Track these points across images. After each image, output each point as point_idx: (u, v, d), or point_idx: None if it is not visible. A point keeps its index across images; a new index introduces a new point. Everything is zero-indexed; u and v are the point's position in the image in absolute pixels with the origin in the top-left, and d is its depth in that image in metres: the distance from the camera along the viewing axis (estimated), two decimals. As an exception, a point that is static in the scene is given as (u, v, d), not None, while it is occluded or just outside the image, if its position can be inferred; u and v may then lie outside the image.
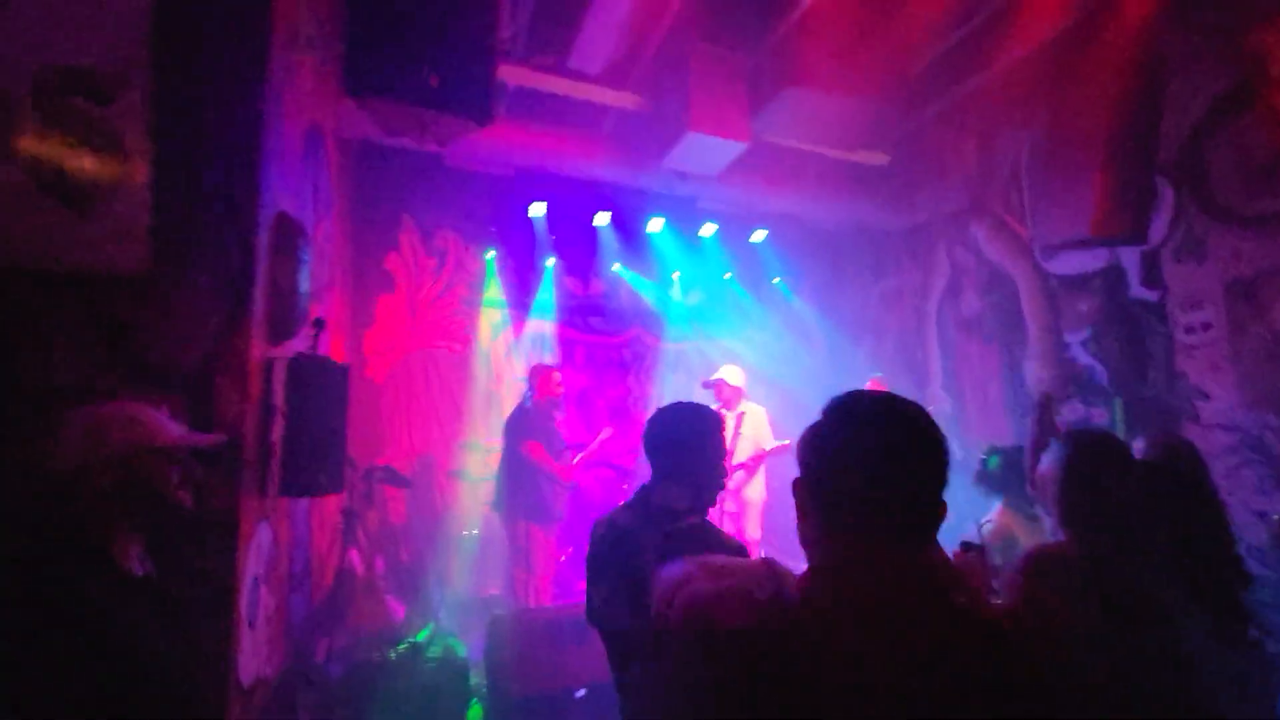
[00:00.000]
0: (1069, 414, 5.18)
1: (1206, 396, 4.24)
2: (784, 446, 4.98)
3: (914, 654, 0.80)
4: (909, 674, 0.79)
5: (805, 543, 0.96)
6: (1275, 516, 2.57)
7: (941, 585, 0.87)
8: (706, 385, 4.97)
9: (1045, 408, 2.51)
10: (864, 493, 0.89)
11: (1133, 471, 1.65)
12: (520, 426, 4.56)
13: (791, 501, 0.98)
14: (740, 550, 1.71)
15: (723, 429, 1.90)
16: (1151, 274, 4.58)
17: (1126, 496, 1.58)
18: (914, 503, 0.90)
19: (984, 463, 3.21)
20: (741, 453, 4.97)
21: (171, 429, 1.42)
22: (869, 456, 0.90)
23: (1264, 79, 3.92)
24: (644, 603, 1.65)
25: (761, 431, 5.08)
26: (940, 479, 0.91)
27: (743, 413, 5.08)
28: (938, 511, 0.91)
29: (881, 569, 0.86)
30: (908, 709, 0.77)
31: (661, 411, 1.91)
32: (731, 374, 5.15)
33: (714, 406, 4.88)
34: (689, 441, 1.83)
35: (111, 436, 1.32)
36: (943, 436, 0.93)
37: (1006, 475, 3.01)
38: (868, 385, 5.68)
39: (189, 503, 1.42)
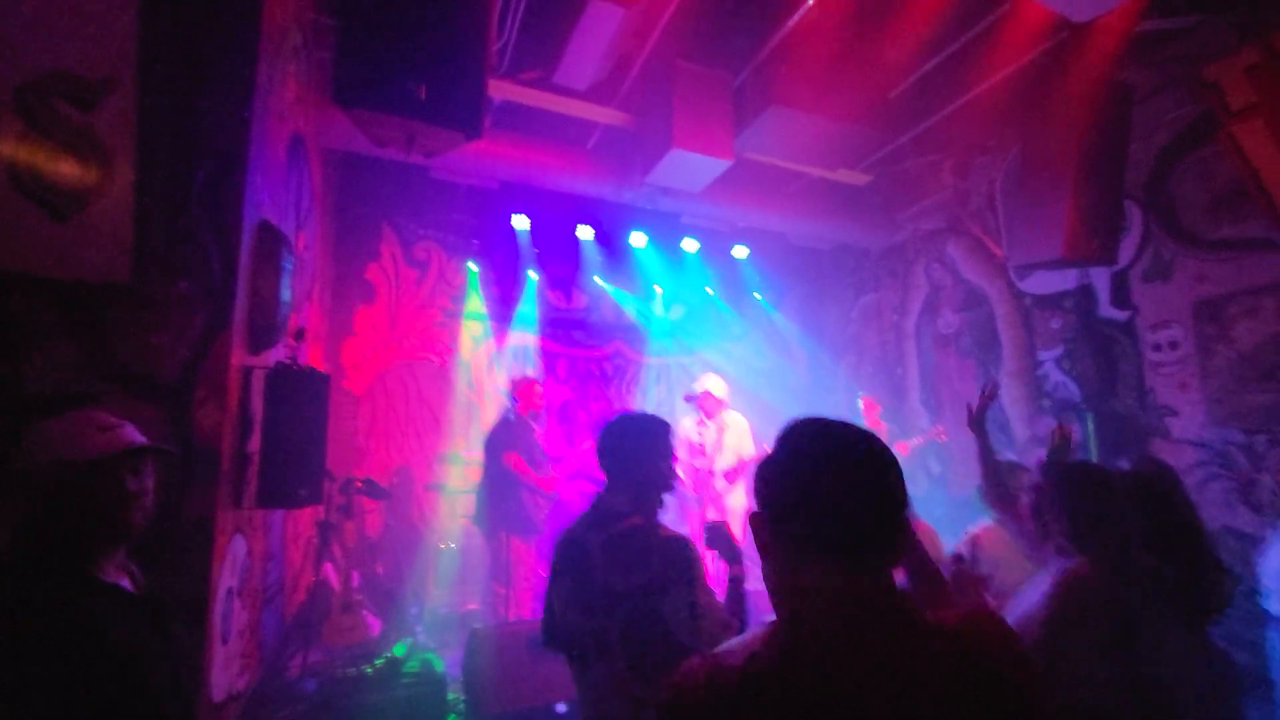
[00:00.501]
0: (1041, 429, 5.29)
1: (1175, 413, 4.36)
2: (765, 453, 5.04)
3: (893, 686, 0.80)
4: (891, 707, 0.79)
5: (769, 584, 0.92)
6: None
7: (909, 610, 0.87)
8: (689, 399, 4.99)
9: (1063, 448, 2.58)
10: (828, 526, 0.87)
11: (1121, 495, 1.71)
12: (501, 439, 4.55)
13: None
14: (681, 544, 1.77)
15: (669, 435, 1.97)
16: (1121, 294, 4.72)
17: (1123, 520, 1.64)
18: (878, 531, 0.88)
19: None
20: (723, 461, 5.02)
21: (135, 435, 1.40)
22: (831, 491, 0.88)
23: (1224, 111, 4.08)
24: (592, 602, 1.76)
25: (744, 441, 5.12)
26: (900, 505, 0.90)
27: (725, 424, 5.13)
28: (901, 537, 0.90)
29: (851, 606, 0.85)
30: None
31: (609, 423, 2.00)
32: (715, 384, 5.18)
33: (696, 417, 4.95)
34: (630, 449, 1.92)
35: (81, 442, 1.30)
36: (896, 463, 0.92)
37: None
38: (860, 404, 5.79)
39: (145, 513, 1.40)
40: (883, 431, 5.81)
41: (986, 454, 2.46)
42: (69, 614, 1.19)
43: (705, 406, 5.08)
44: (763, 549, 0.93)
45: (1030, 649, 0.98)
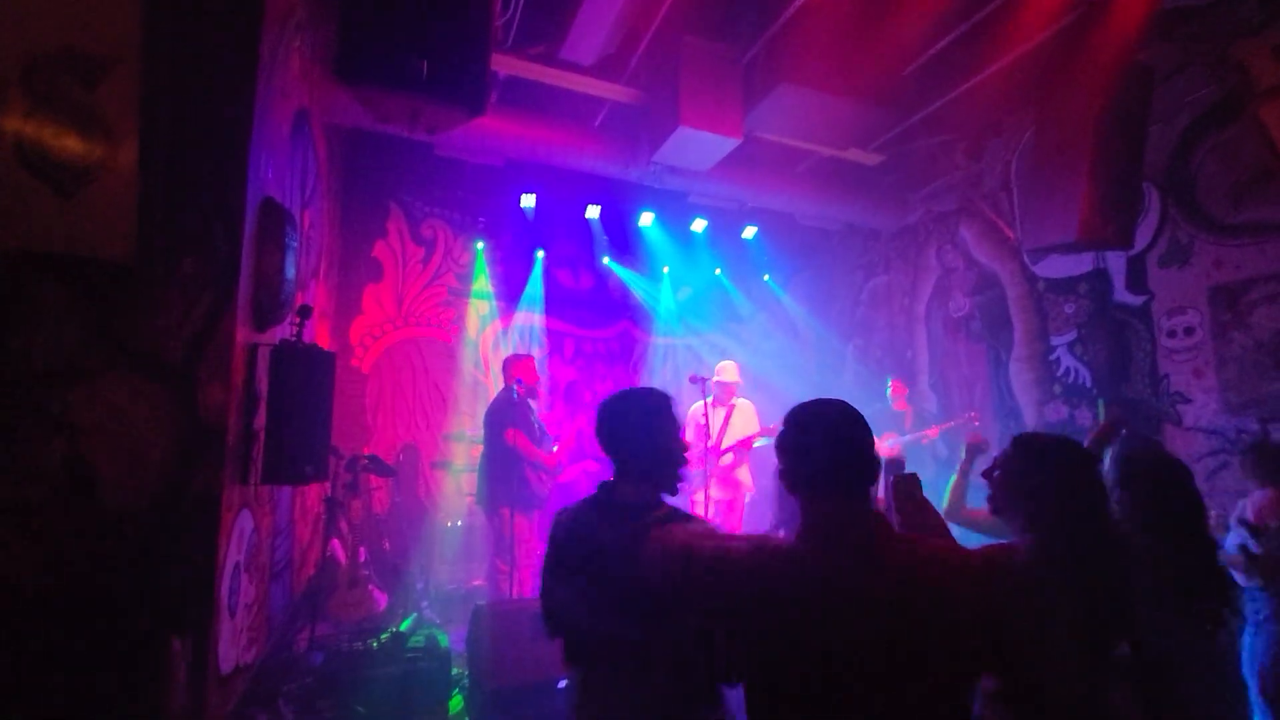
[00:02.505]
0: (1052, 416, 5.24)
1: (1189, 400, 4.30)
2: (770, 429, 5.04)
3: (860, 570, 1.25)
4: (859, 585, 1.24)
5: (790, 497, 1.41)
6: None
7: (879, 525, 1.32)
8: (695, 380, 4.96)
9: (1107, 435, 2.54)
10: (819, 470, 1.33)
11: (1091, 472, 1.65)
12: (502, 415, 4.55)
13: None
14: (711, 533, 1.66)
15: (674, 409, 1.80)
16: (1137, 279, 4.64)
17: (1088, 498, 1.59)
18: (851, 470, 1.32)
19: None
20: (729, 443, 5.11)
21: None
22: (819, 447, 1.34)
23: (1250, 92, 3.97)
24: (618, 607, 1.61)
25: (751, 425, 5.19)
26: (867, 447, 1.34)
27: (733, 406, 5.19)
28: (869, 473, 1.33)
29: (840, 518, 1.31)
30: (856, 604, 1.23)
31: (609, 401, 1.82)
32: (729, 370, 5.25)
33: (706, 400, 4.94)
34: (635, 434, 1.75)
35: None
36: (862, 419, 1.36)
37: None
38: (890, 388, 5.83)
39: None
40: (909, 415, 5.79)
41: (960, 486, 2.47)
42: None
43: (720, 393, 5.18)
44: (789, 490, 1.39)
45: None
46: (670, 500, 1.78)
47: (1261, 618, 2.66)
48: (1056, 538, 1.52)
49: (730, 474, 5.10)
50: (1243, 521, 2.80)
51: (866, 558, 1.26)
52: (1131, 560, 1.61)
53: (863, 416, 1.38)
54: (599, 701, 1.68)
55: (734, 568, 1.33)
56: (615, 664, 1.66)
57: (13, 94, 2.12)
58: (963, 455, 2.59)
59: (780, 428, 1.43)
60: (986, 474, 1.72)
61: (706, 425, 4.86)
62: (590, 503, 1.79)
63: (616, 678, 1.65)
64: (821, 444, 1.34)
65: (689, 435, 4.93)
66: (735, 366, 5.32)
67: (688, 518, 1.71)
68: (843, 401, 1.39)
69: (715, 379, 5.21)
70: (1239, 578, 2.72)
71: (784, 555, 1.32)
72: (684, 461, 1.78)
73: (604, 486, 1.80)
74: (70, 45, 2.21)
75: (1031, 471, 1.62)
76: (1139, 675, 1.51)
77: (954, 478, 2.53)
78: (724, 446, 5.07)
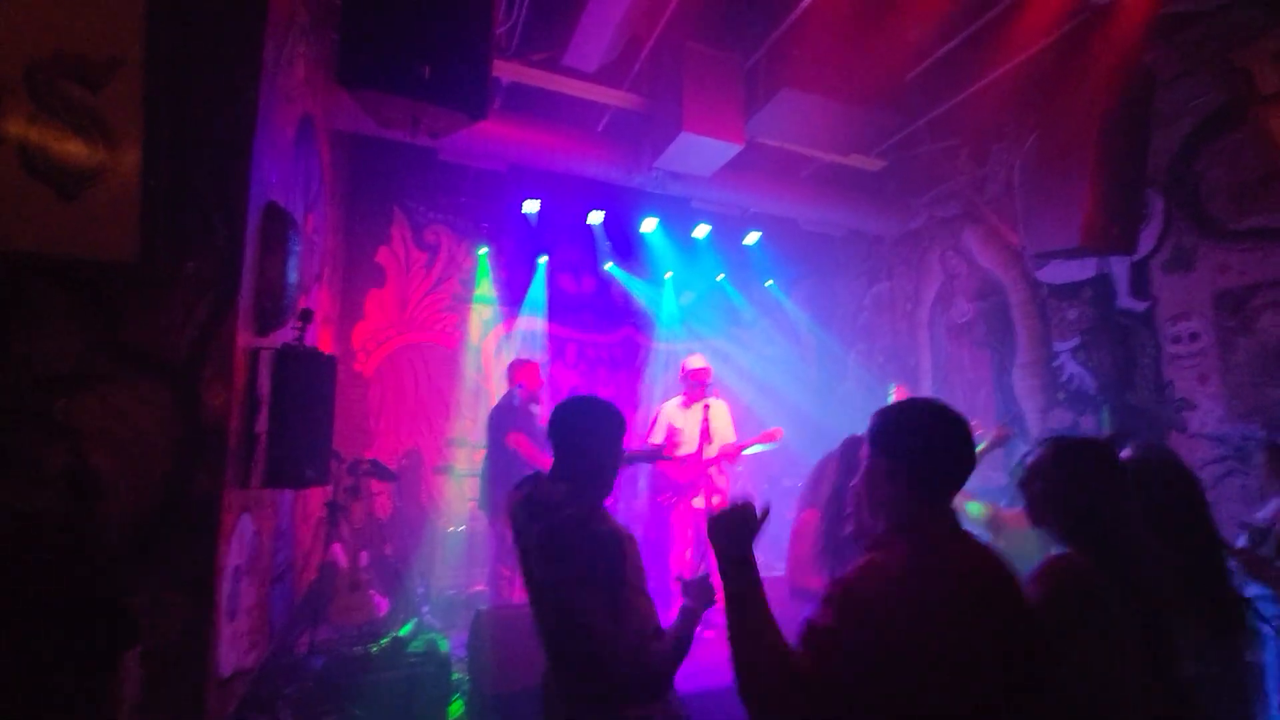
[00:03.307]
0: (1056, 422, 5.22)
1: (1193, 406, 4.28)
2: (771, 434, 4.86)
3: (985, 576, 1.27)
4: (976, 591, 1.24)
5: (871, 492, 1.37)
6: (1250, 525, 2.61)
7: (963, 533, 1.33)
8: (692, 378, 4.83)
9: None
10: (947, 471, 1.33)
11: (1126, 480, 1.61)
12: (504, 420, 4.55)
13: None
14: (613, 539, 1.64)
15: (621, 428, 1.85)
16: (1140, 284, 4.63)
17: (1126, 506, 1.55)
18: (957, 480, 1.33)
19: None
20: (715, 449, 4.79)
21: None
22: (955, 448, 1.34)
23: (1253, 96, 3.97)
24: (532, 595, 1.74)
25: (728, 427, 4.92)
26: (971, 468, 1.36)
27: (708, 405, 4.85)
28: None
29: (952, 528, 1.32)
30: (978, 602, 1.22)
31: (562, 404, 1.88)
32: (699, 359, 4.97)
33: (679, 401, 4.84)
34: (578, 437, 1.82)
35: None
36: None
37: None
38: (892, 393, 5.72)
39: None
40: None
41: None
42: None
43: (692, 389, 4.85)
44: (882, 489, 1.35)
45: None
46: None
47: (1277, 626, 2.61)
48: (1104, 551, 1.48)
49: (713, 482, 4.78)
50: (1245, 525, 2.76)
51: (983, 567, 1.27)
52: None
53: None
54: (552, 695, 1.77)
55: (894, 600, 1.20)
56: (553, 661, 1.76)
57: (16, 97, 2.13)
58: (982, 445, 2.58)
59: (897, 423, 1.38)
60: (1023, 484, 1.66)
61: (682, 428, 4.74)
62: (522, 498, 1.86)
63: (556, 673, 1.74)
64: (960, 451, 1.33)
65: (658, 436, 4.78)
66: (703, 357, 5.03)
67: (606, 517, 1.76)
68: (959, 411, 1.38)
69: (688, 368, 4.87)
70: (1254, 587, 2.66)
71: (915, 571, 1.24)
72: (610, 487, 1.85)
73: (534, 481, 1.88)
74: (73, 49, 2.23)
75: (1070, 480, 1.57)
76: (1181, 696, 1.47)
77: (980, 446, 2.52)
78: (718, 452, 4.79)
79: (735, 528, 1.34)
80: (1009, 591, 1.28)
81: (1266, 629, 2.61)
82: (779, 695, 1.17)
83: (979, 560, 1.28)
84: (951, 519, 1.31)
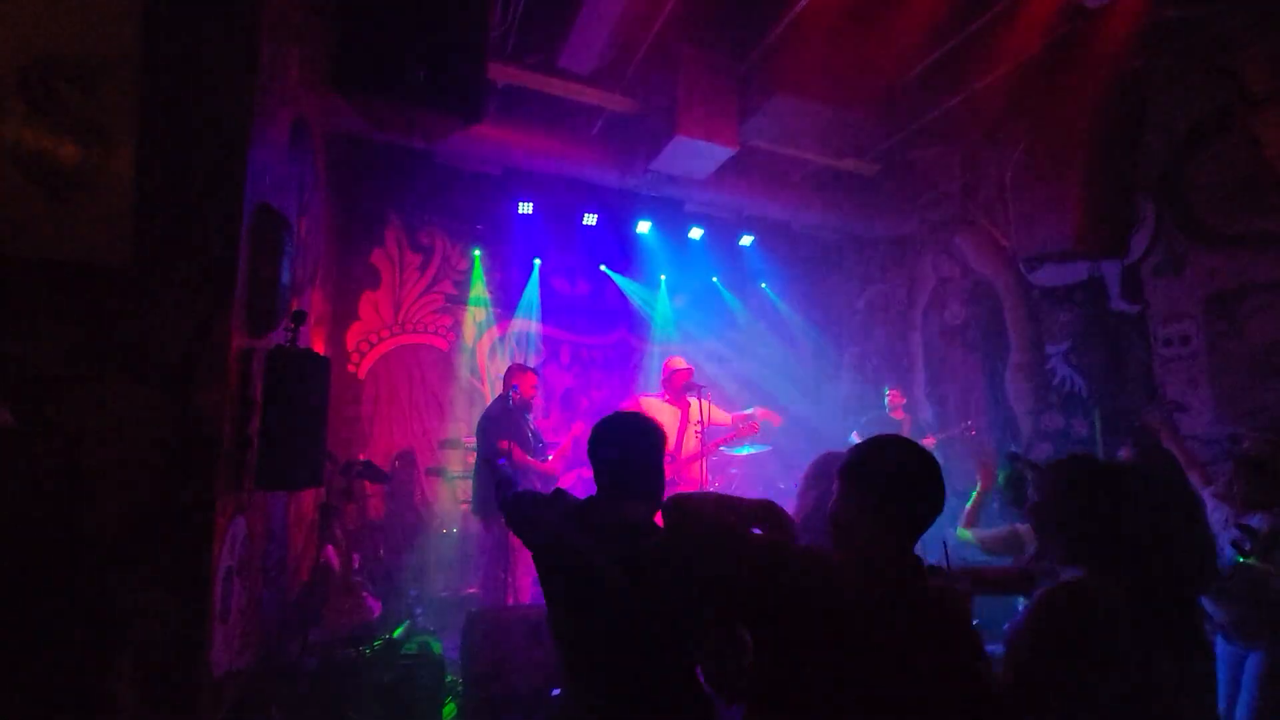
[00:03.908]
0: (1048, 424, 5.25)
1: (1185, 409, 4.31)
2: (745, 423, 4.78)
3: (900, 613, 1.27)
4: (894, 625, 1.26)
5: (839, 521, 1.40)
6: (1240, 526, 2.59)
7: (922, 572, 1.36)
8: (690, 388, 4.84)
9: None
10: (917, 513, 1.35)
11: (1136, 499, 1.64)
12: (496, 424, 4.57)
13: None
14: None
15: (661, 434, 1.84)
16: (1132, 288, 4.66)
17: (1135, 527, 1.58)
18: (925, 521, 1.35)
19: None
20: (690, 443, 4.77)
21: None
22: (927, 490, 1.35)
23: (1242, 103, 4.00)
24: (609, 624, 1.60)
25: (711, 413, 4.84)
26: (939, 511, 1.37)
27: (689, 404, 4.82)
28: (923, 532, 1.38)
29: (894, 556, 1.33)
30: (885, 639, 1.24)
31: (608, 424, 1.83)
32: (681, 361, 4.93)
33: (664, 401, 4.82)
34: (643, 459, 1.77)
35: None
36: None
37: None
38: (887, 397, 5.73)
39: None
40: (907, 424, 5.78)
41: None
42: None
43: (674, 389, 4.80)
44: (850, 521, 1.38)
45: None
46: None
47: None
48: (1109, 572, 1.51)
49: (693, 479, 4.70)
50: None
51: (917, 594, 1.30)
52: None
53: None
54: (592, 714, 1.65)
55: (792, 566, 1.33)
56: (613, 681, 1.64)
57: (9, 99, 2.13)
58: (973, 496, 2.65)
59: (866, 452, 1.41)
60: (1032, 509, 1.74)
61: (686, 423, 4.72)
62: (579, 523, 1.75)
63: (613, 694, 1.63)
64: (925, 492, 1.35)
65: None
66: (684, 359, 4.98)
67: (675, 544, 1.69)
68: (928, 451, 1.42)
69: (671, 370, 4.80)
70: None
71: (835, 568, 1.34)
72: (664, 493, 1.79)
73: (590, 504, 1.79)
74: (68, 51, 2.22)
75: (1072, 502, 1.62)
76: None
77: (974, 496, 2.62)
78: (695, 448, 4.72)
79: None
80: (949, 636, 1.29)
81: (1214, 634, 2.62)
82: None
83: (925, 599, 1.31)
84: (912, 558, 1.35)
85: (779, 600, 1.31)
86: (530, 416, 4.76)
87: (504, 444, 4.38)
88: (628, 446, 1.79)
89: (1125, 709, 1.43)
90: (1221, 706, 2.57)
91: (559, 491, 1.92)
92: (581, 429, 5.14)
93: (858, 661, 1.24)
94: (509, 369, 4.83)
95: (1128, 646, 1.43)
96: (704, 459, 4.70)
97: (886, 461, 1.38)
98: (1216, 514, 2.70)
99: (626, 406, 4.85)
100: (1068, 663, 1.39)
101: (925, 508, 1.35)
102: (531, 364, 6.55)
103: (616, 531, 1.66)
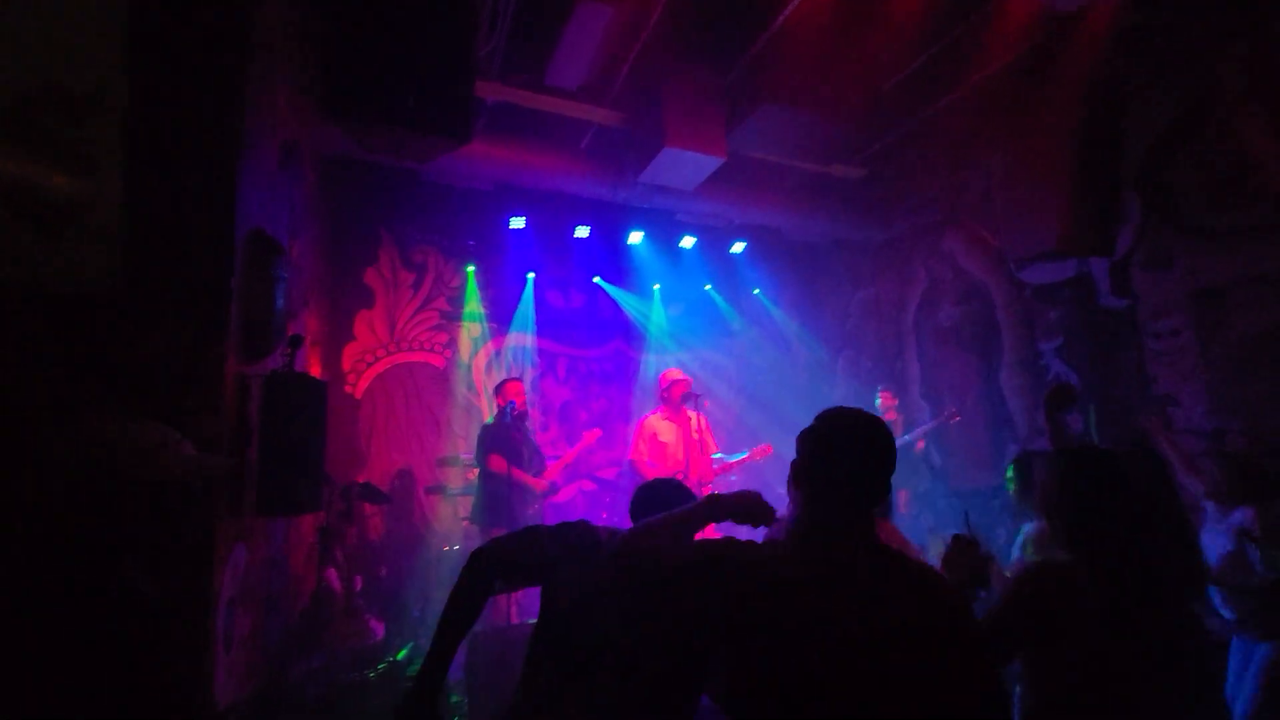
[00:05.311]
0: (1043, 420, 5.26)
1: (1177, 402, 4.34)
2: (764, 449, 4.89)
3: (862, 586, 1.22)
4: (859, 600, 1.20)
5: (794, 510, 1.37)
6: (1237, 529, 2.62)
7: (880, 542, 1.30)
8: (688, 398, 4.84)
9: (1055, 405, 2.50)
10: (840, 480, 1.30)
11: (1131, 489, 1.67)
12: (488, 439, 4.62)
13: None
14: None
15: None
16: (1121, 283, 4.70)
17: (1128, 517, 1.61)
18: (870, 488, 1.32)
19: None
20: (697, 456, 4.72)
21: (193, 450, 1.41)
22: (847, 457, 1.31)
23: (1220, 101, 4.06)
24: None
25: (709, 440, 4.85)
26: (889, 472, 1.33)
27: (688, 418, 4.77)
28: (882, 494, 1.34)
29: (845, 531, 1.29)
30: (854, 618, 1.17)
31: (652, 487, 1.94)
32: (679, 372, 4.92)
33: (661, 414, 4.81)
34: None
35: (165, 453, 1.31)
36: (893, 442, 1.34)
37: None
38: (879, 399, 5.75)
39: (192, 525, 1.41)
40: (899, 425, 5.80)
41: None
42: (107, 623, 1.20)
43: (672, 402, 4.78)
44: (795, 486, 1.37)
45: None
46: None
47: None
48: (1097, 559, 1.55)
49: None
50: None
51: (873, 574, 1.24)
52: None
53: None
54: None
55: (758, 571, 1.26)
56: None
57: (-1, 132, 2.13)
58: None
59: (809, 431, 1.38)
60: (1039, 497, 1.79)
61: (666, 443, 4.71)
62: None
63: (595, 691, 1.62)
64: (855, 456, 1.31)
65: (644, 452, 4.66)
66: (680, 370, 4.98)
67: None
68: (871, 414, 1.37)
69: (669, 381, 4.78)
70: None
71: (777, 550, 1.30)
72: None
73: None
74: (55, 82, 2.23)
75: (1068, 489, 1.66)
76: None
77: None
78: (716, 466, 4.81)
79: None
80: (917, 604, 1.22)
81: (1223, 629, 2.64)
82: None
83: (885, 564, 1.26)
84: (864, 525, 1.30)
85: (724, 596, 1.23)
86: (530, 427, 4.77)
87: (492, 461, 4.43)
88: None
89: (1084, 683, 1.45)
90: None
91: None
92: (594, 439, 5.11)
93: (818, 639, 1.15)
94: (496, 385, 4.87)
95: (1094, 625, 1.47)
96: (721, 475, 4.77)
97: (815, 430, 1.37)
98: (1211, 513, 2.74)
99: (633, 431, 4.90)
100: (1022, 621, 1.51)
101: (858, 467, 1.30)
102: (528, 377, 6.57)
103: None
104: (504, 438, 4.54)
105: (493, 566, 1.81)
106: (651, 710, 1.57)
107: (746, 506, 1.47)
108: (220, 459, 1.40)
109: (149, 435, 1.33)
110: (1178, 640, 1.55)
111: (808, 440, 1.37)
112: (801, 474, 1.36)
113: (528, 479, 4.50)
